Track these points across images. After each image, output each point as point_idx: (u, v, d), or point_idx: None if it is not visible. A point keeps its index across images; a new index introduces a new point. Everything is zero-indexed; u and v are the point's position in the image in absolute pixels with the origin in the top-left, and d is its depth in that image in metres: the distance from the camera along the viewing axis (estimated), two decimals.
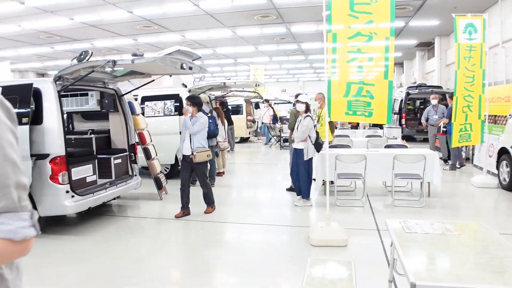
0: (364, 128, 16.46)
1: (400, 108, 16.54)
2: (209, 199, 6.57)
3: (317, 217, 6.50)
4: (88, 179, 6.10)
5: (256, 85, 9.50)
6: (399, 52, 25.06)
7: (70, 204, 5.50)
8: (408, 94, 16.40)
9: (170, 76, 6.71)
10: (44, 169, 5.41)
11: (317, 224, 5.61)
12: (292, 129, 7.67)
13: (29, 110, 5.30)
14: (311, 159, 7.05)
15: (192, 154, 6.16)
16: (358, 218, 6.41)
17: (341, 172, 7.16)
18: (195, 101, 6.31)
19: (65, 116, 8.61)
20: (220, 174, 10.32)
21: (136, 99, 8.81)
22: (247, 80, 9.12)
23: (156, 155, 7.95)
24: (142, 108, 8.96)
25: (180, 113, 9.23)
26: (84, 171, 6.04)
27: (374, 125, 16.67)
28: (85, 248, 5.28)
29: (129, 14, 14.38)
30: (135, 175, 7.07)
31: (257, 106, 19.04)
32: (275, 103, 22.35)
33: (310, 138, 6.96)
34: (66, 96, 7.07)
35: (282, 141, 15.91)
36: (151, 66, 5.72)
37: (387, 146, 8.47)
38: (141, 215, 6.79)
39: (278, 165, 12.63)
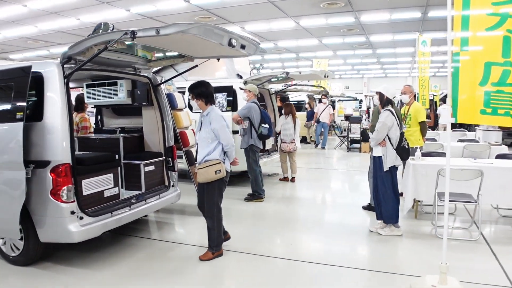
0: (444, 129, 13.89)
1: None
2: (212, 240, 4.31)
3: (415, 259, 4.43)
4: (107, 193, 4.49)
5: (325, 76, 7.55)
6: None
7: (76, 229, 3.90)
8: None
9: (218, 60, 4.90)
10: (44, 181, 3.85)
11: (425, 281, 3.59)
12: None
13: (25, 102, 3.77)
14: (394, 169, 5.01)
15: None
16: (475, 262, 4.28)
17: (443, 191, 5.05)
18: (196, 91, 4.27)
19: (93, 110, 7.26)
20: (285, 179, 8.51)
21: (183, 92, 7.21)
22: (314, 70, 7.24)
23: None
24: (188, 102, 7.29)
25: (234, 109, 7.50)
26: (101, 183, 4.42)
27: (460, 125, 14.03)
28: None
29: (186, 4, 12.94)
30: (173, 186, 5.40)
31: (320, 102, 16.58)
32: (339, 99, 20.05)
33: (390, 141, 4.92)
34: (93, 85, 5.55)
35: (349, 142, 13.71)
36: (188, 41, 3.98)
37: (501, 157, 6.16)
38: (178, 238, 5.11)
39: (349, 171, 10.53)
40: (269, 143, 7.96)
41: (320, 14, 14.88)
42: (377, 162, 4.97)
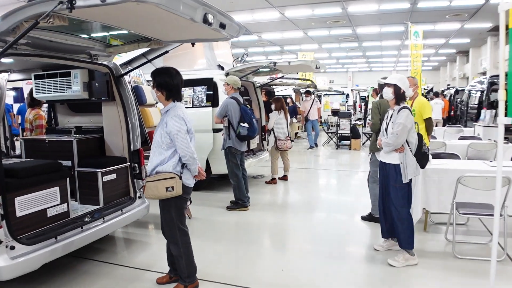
0: (436, 125, 13.18)
1: (481, 101, 13.06)
2: (182, 271, 3.36)
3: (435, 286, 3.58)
4: (51, 212, 3.49)
5: (316, 67, 6.63)
6: (467, 38, 21.24)
7: (4, 264, 2.91)
8: (491, 84, 12.85)
9: (193, 45, 3.91)
10: None
11: None
12: (377, 131, 4.78)
13: None
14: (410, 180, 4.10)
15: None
16: None
17: (461, 201, 4.21)
18: (158, 79, 3.24)
19: (45, 107, 6.18)
20: (272, 181, 7.64)
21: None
22: (305, 60, 6.29)
23: None
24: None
25: (215, 104, 6.55)
26: (43, 199, 3.42)
27: (448, 119, 13.37)
28: None
29: None
30: (140, 197, 4.43)
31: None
32: (325, 94, 19.20)
33: (409, 146, 4.01)
34: (42, 76, 4.51)
35: (338, 139, 12.85)
36: (150, 17, 3.01)
37: None
38: (147, 263, 4.15)
39: (340, 171, 9.68)
40: (254, 142, 7.04)
41: (306, 4, 14.00)
42: (391, 171, 4.00)
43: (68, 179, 3.69)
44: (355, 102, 20.95)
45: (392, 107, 4.07)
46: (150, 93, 5.07)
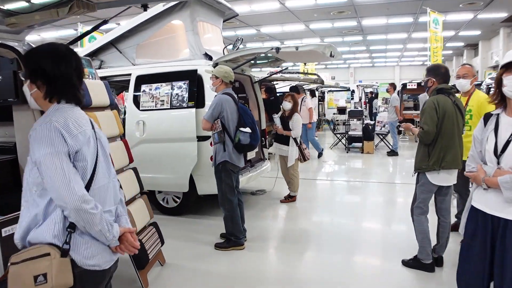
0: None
1: None
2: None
3: None
4: None
5: (330, 55, 4.95)
6: (477, 30, 19.56)
7: None
8: None
9: (145, 9, 2.27)
10: None
11: None
12: (429, 143, 3.18)
13: None
14: None
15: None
16: None
17: None
18: (32, 64, 1.64)
19: None
20: (292, 199, 6.08)
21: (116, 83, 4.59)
22: (317, 44, 4.59)
23: (142, 188, 3.70)
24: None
25: (199, 104, 4.91)
26: None
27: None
28: None
29: None
30: None
31: (313, 94, 13.13)
32: (329, 90, 17.46)
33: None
34: None
35: (348, 141, 11.13)
36: None
37: None
38: None
39: (359, 184, 8.00)
40: (252, 153, 5.42)
41: None
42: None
43: None
44: (360, 99, 19.28)
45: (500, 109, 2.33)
46: (101, 90, 3.43)
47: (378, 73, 32.79)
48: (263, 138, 6.14)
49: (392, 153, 10.05)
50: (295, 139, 5.80)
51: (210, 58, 5.19)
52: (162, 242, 3.75)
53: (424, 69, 4.22)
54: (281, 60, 5.69)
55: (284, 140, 5.90)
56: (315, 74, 9.90)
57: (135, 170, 3.65)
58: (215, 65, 4.88)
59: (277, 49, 4.47)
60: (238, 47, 5.36)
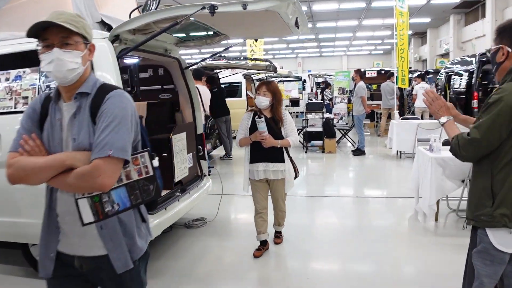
0: (421, 115, 10.33)
1: (469, 85, 10.34)
2: None
3: None
4: None
5: (296, 24, 3.13)
6: (427, 17, 18.83)
7: None
8: (482, 63, 10.10)
9: None
10: None
11: None
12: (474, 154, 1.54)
13: None
14: None
15: None
16: None
17: None
18: None
19: None
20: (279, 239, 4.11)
21: None
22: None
23: None
24: None
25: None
26: None
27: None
28: None
29: None
30: None
31: None
32: (279, 80, 15.76)
33: None
34: None
35: (306, 138, 9.41)
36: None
37: None
38: None
39: (347, 199, 6.32)
40: (181, 167, 3.56)
41: None
42: None
43: None
44: (312, 89, 17.88)
45: None
46: None
47: (326, 62, 31.79)
48: (200, 147, 4.26)
49: (359, 152, 8.40)
50: (287, 150, 3.81)
51: (109, 28, 3.23)
52: None
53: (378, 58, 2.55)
54: (222, 35, 3.80)
55: (276, 155, 3.67)
56: (266, 59, 8.12)
57: None
58: (114, 38, 2.95)
59: (212, 7, 2.57)
60: (152, 9, 3.39)
